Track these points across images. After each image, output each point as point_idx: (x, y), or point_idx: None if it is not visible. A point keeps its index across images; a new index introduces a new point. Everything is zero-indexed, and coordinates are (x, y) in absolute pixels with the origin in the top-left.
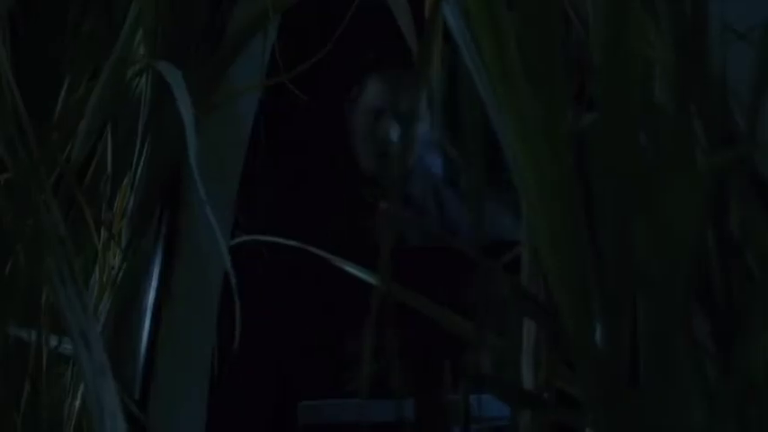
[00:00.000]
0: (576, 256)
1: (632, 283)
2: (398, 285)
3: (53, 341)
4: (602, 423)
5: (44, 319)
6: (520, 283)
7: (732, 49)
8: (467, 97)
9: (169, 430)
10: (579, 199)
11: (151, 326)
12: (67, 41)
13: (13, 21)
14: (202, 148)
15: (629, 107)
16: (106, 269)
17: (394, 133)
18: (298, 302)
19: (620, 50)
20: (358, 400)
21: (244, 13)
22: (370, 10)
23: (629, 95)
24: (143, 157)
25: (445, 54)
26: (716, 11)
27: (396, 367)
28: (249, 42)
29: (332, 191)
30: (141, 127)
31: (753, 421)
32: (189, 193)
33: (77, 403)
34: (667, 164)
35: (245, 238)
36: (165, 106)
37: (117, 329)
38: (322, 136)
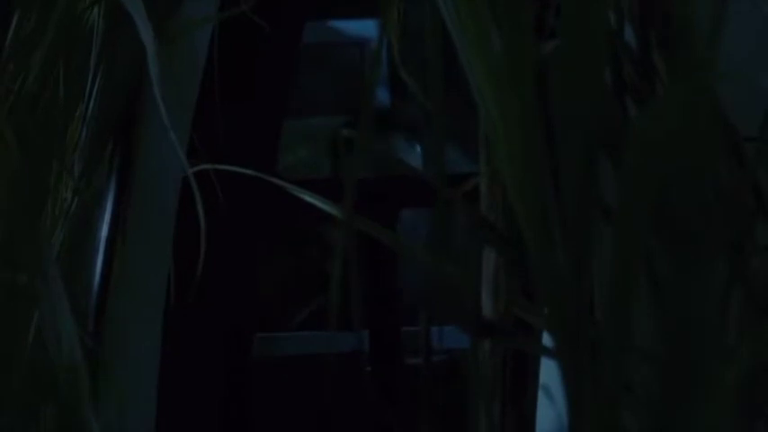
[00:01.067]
0: (539, 182)
1: (594, 211)
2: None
3: (6, 273)
4: (562, 351)
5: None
6: (479, 212)
7: None
8: (428, 24)
9: (123, 362)
10: (542, 127)
11: (105, 258)
12: None
13: None
14: (159, 78)
15: (592, 36)
16: (59, 201)
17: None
18: (254, 234)
19: None
20: (314, 332)
21: None
22: None
23: (591, 25)
24: (95, 89)
25: None
26: None
27: (354, 299)
28: None
29: (288, 122)
30: (94, 57)
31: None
32: (143, 124)
33: (31, 335)
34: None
35: (201, 166)
36: (118, 35)
37: (70, 261)
38: (278, 66)
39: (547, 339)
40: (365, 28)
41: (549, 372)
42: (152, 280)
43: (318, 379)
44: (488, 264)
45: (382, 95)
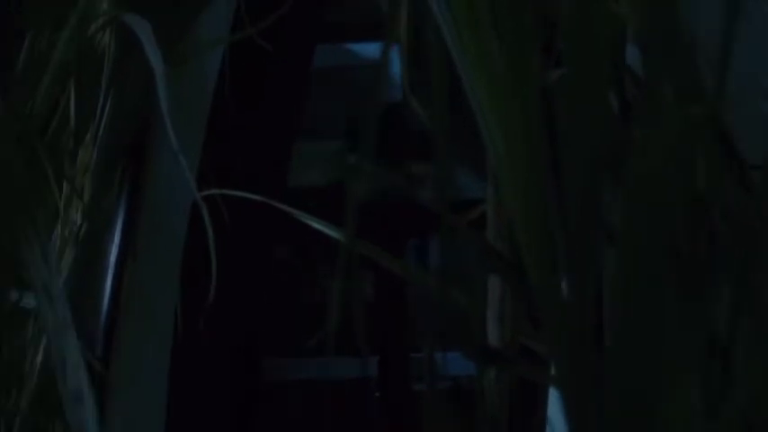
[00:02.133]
0: (544, 210)
1: (599, 238)
2: (364, 241)
3: (15, 295)
4: (567, 379)
5: (5, 273)
6: (485, 239)
7: (701, 6)
8: (434, 51)
9: (131, 387)
10: (546, 153)
11: (114, 282)
12: None
13: None
14: (167, 103)
15: (597, 62)
16: (68, 224)
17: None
18: (262, 258)
19: (589, 5)
20: (321, 357)
21: None
22: None
23: (598, 50)
24: (106, 112)
25: (413, 7)
26: None
27: (360, 324)
28: None
29: (302, 145)
30: (105, 80)
31: (715, 375)
32: (153, 148)
33: (39, 359)
34: (635, 120)
35: (210, 191)
36: (129, 60)
37: (79, 285)
38: (288, 90)
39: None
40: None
41: (555, 402)
42: (161, 304)
43: (326, 405)
44: (494, 291)
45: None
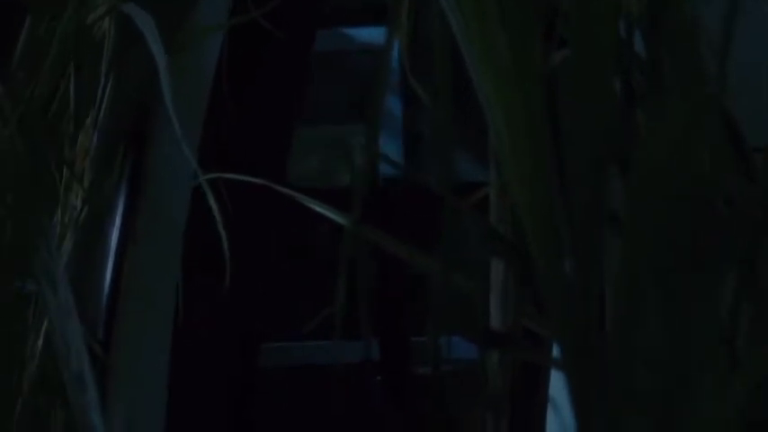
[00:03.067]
0: (547, 194)
1: (603, 221)
2: (366, 225)
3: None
4: (572, 363)
5: (7, 258)
6: (488, 223)
7: None
8: (437, 35)
9: (132, 371)
10: (550, 140)
11: (114, 267)
12: None
13: None
14: (169, 90)
15: (601, 46)
16: (68, 209)
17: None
18: (264, 242)
19: None
20: (323, 341)
21: None
22: None
23: (601, 35)
24: (106, 97)
25: None
26: None
27: (363, 308)
28: None
29: (299, 130)
30: (105, 66)
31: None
32: (154, 133)
33: (40, 342)
34: (639, 105)
35: (211, 175)
36: (129, 45)
37: (80, 270)
38: (288, 76)
39: (556, 351)
40: (379, 35)
41: (557, 384)
42: (161, 289)
43: (328, 389)
44: (497, 274)
45: (394, 103)
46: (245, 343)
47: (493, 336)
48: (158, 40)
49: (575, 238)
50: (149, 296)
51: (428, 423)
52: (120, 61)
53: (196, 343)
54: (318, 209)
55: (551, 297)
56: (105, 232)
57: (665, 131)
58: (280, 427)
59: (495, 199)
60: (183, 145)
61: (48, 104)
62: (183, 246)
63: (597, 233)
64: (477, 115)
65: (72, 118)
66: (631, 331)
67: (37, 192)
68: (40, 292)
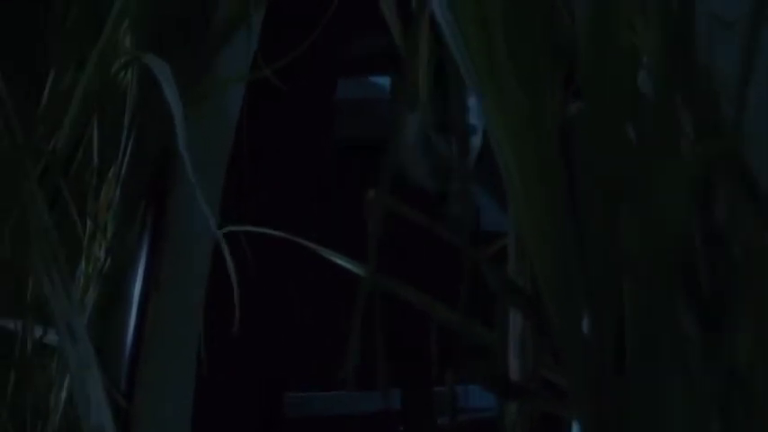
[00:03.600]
0: (562, 245)
1: (618, 272)
2: (385, 276)
3: (38, 331)
4: (588, 413)
5: (30, 309)
6: (506, 274)
7: (719, 40)
8: (453, 89)
9: (155, 423)
10: (564, 188)
11: (137, 318)
12: (53, 32)
13: None
14: (188, 139)
15: (616, 96)
16: (92, 261)
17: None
18: (285, 293)
19: (608, 39)
20: (345, 392)
21: (229, 4)
22: (355, 1)
23: (616, 85)
24: (129, 149)
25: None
26: (703, 1)
27: (382, 359)
28: (234, 34)
29: (318, 182)
30: (127, 118)
31: (735, 410)
32: (175, 185)
33: (63, 394)
34: (654, 154)
35: (232, 227)
36: (151, 98)
37: (103, 321)
38: (308, 128)
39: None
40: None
41: None
42: (184, 340)
43: None
44: (516, 324)
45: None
46: (269, 392)
47: (511, 386)
48: (174, 89)
49: (589, 286)
50: (172, 346)
51: None
52: (142, 112)
53: (219, 393)
54: (335, 259)
55: (566, 348)
56: (128, 283)
57: (678, 174)
58: None
59: (513, 248)
60: (199, 194)
61: (71, 157)
62: (207, 295)
63: (612, 282)
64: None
65: (95, 170)
66: (649, 380)
67: (59, 244)
68: (61, 344)
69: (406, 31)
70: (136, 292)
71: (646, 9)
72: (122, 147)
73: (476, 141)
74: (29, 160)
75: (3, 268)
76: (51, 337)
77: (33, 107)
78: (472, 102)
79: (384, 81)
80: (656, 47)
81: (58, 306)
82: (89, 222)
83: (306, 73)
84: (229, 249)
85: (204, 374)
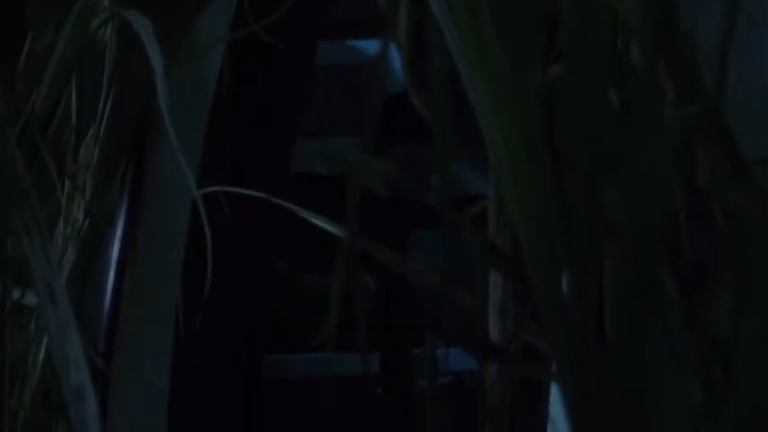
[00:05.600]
0: (545, 212)
1: (600, 236)
2: (365, 237)
3: (16, 293)
4: (570, 376)
5: (7, 270)
6: (486, 237)
7: (700, 5)
8: (435, 50)
9: (133, 384)
10: (547, 153)
11: (116, 278)
12: None
13: None
14: (168, 99)
15: (597, 61)
16: (71, 221)
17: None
18: (263, 255)
19: (589, 4)
20: (324, 353)
21: None
22: None
23: (597, 49)
24: (108, 109)
25: (413, 7)
26: None
27: (362, 321)
28: None
29: (298, 143)
30: (106, 78)
31: (715, 375)
32: (154, 145)
33: (41, 355)
34: (637, 122)
35: (210, 188)
36: (130, 57)
37: (82, 282)
38: (287, 88)
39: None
40: (391, 49)
41: (557, 400)
42: (162, 301)
43: (328, 401)
44: (496, 287)
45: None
46: (247, 353)
47: (491, 348)
48: (156, 45)
49: (571, 253)
50: (150, 308)
51: None
52: (122, 71)
53: (197, 355)
54: (317, 222)
55: (547, 310)
56: (107, 244)
57: (660, 139)
58: None
59: (494, 213)
60: (180, 155)
61: (50, 116)
62: (185, 257)
63: (594, 245)
64: (479, 125)
65: (74, 130)
66: (630, 343)
67: (38, 204)
68: (40, 305)
69: None
70: (114, 252)
71: None
72: (101, 106)
73: None
74: (7, 120)
75: None
76: (30, 299)
77: (12, 67)
78: None
79: (366, 45)
80: (639, 14)
81: (37, 267)
82: (67, 183)
83: (287, 34)
84: (209, 209)
85: (183, 336)
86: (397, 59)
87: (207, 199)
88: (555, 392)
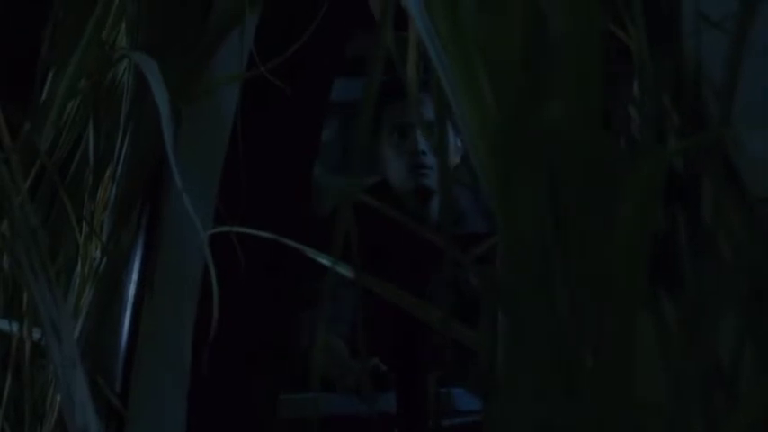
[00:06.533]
0: (540, 249)
1: (597, 276)
2: (379, 279)
3: (36, 333)
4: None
5: (27, 311)
6: (493, 275)
7: (705, 38)
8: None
9: (150, 423)
10: (543, 189)
11: (132, 318)
12: (52, 33)
13: None
14: (183, 139)
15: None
16: (88, 261)
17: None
18: (278, 294)
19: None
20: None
21: (224, 4)
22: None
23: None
24: (125, 149)
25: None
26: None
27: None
28: (230, 34)
29: (311, 183)
30: (123, 119)
31: (718, 403)
32: (170, 185)
33: (59, 396)
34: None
35: (220, 228)
36: (146, 97)
37: (98, 321)
38: (302, 128)
39: None
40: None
41: None
42: (178, 339)
43: None
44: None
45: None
46: (263, 394)
47: (494, 387)
48: (163, 88)
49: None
50: (166, 347)
51: None
52: (138, 112)
53: (213, 393)
54: (323, 261)
55: (542, 347)
56: (123, 283)
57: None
58: None
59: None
60: (185, 197)
61: (69, 157)
62: (201, 296)
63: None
64: None
65: (92, 170)
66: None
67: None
68: (47, 344)
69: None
70: (130, 292)
71: (632, 8)
72: (118, 147)
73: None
74: (17, 165)
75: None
76: (35, 333)
77: (28, 107)
78: None
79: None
80: (644, 45)
81: (43, 306)
82: (85, 223)
83: (301, 73)
84: (227, 250)
85: (198, 375)
86: None
87: (224, 239)
88: None
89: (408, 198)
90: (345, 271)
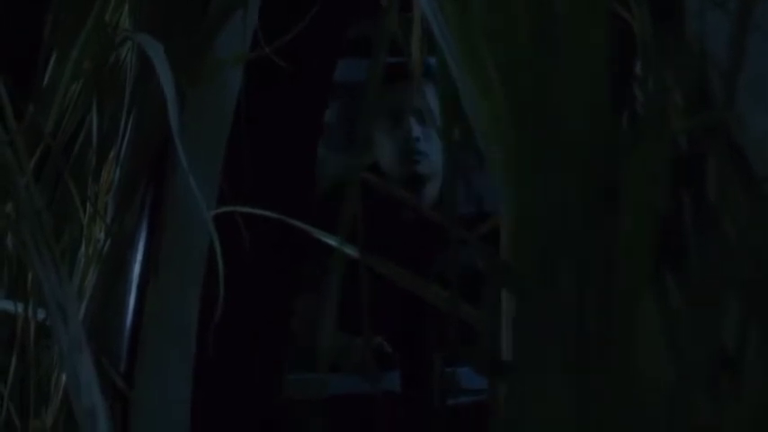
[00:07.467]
0: (542, 231)
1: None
2: (383, 258)
3: (41, 314)
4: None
5: (32, 292)
6: (497, 255)
7: (709, 17)
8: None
9: (154, 404)
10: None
11: (137, 298)
12: (54, 14)
13: None
14: (187, 119)
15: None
16: (92, 243)
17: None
18: (286, 274)
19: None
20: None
21: None
22: None
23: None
24: (128, 130)
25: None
26: None
27: (365, 339)
28: (233, 15)
29: (316, 163)
30: (127, 99)
31: (722, 385)
32: (174, 165)
33: (64, 377)
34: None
35: (224, 208)
36: (150, 79)
37: (103, 302)
38: (306, 108)
39: None
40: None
41: None
42: (183, 320)
43: (350, 420)
44: (509, 304)
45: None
46: (269, 374)
47: (500, 366)
48: (167, 69)
49: (573, 266)
50: (171, 328)
51: None
52: (142, 93)
53: (219, 374)
54: (328, 241)
55: (548, 326)
56: (128, 264)
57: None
58: None
59: (506, 229)
60: (191, 178)
61: (72, 138)
62: (206, 276)
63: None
64: None
65: (95, 151)
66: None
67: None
68: (52, 325)
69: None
70: (135, 272)
71: None
72: (122, 128)
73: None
74: (22, 146)
75: (3, 251)
76: (39, 313)
77: (32, 90)
78: None
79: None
80: (647, 25)
81: (49, 287)
82: (89, 204)
83: (305, 53)
84: (231, 229)
85: (204, 354)
86: None
87: (229, 217)
88: None
89: (399, 183)
90: (352, 251)
